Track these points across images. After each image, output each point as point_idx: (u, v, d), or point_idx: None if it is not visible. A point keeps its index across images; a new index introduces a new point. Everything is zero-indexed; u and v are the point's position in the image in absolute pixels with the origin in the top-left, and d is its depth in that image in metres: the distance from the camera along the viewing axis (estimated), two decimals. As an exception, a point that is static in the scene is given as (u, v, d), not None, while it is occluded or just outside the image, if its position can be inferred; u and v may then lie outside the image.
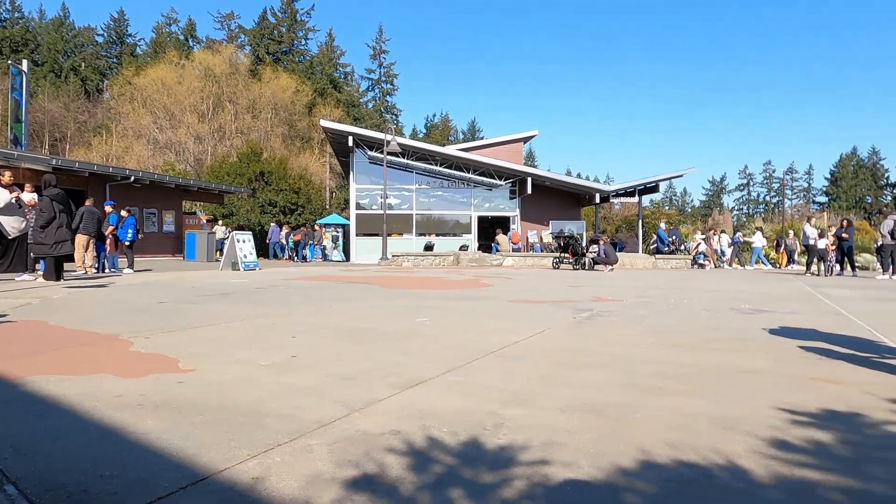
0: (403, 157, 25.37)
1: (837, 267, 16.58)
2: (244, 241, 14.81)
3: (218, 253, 20.55)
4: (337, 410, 2.39)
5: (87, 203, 12.12)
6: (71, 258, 9.96)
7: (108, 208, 13.53)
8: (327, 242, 27.20)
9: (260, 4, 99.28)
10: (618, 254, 19.56)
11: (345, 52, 69.36)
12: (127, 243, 13.27)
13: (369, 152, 25.36)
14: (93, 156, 41.62)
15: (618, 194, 27.33)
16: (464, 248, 24.43)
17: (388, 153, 20.96)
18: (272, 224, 26.65)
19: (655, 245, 22.39)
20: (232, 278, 11.13)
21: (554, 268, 16.99)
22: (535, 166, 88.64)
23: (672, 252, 21.02)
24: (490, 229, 25.18)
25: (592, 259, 16.50)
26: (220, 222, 26.39)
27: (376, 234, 23.49)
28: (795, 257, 21.61)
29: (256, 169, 33.11)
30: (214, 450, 1.92)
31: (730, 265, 21.05)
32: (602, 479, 1.74)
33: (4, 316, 5.11)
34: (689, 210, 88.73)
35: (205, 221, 26.39)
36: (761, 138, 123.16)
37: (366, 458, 1.88)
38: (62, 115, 48.79)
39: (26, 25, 63.09)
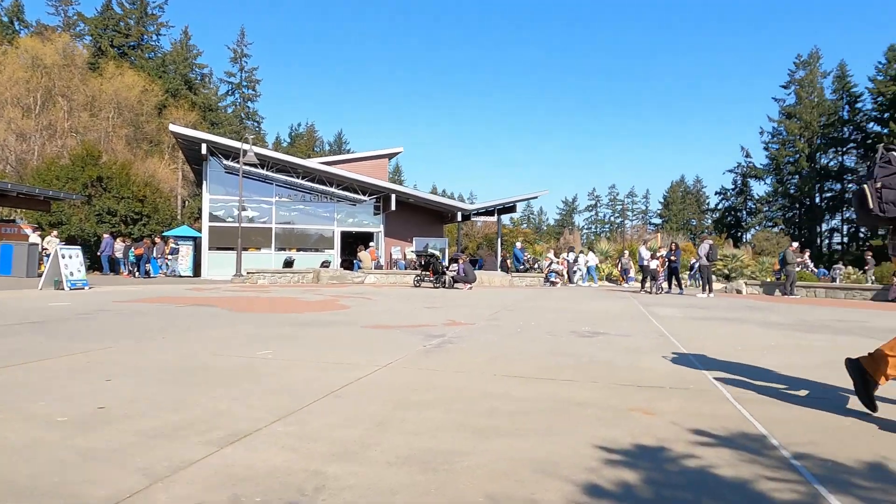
0: (263, 169, 24.33)
1: (666, 285, 18.49)
2: (71, 257, 13.19)
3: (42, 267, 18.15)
4: (136, 481, 2.11)
5: None
6: None
7: None
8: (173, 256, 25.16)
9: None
10: (477, 271, 20.23)
11: (202, 52, 65.48)
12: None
13: (225, 161, 23.98)
14: None
15: (478, 213, 28.40)
16: (325, 264, 23.89)
17: (246, 164, 19.95)
18: (105, 235, 24.03)
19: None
20: (52, 300, 9.85)
21: (415, 286, 17.14)
22: (402, 182, 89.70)
23: (527, 270, 22.19)
24: (354, 244, 24.87)
25: (452, 278, 16.88)
26: (55, 233, 23.30)
27: (232, 249, 22.17)
28: (632, 274, 23.79)
29: (93, 173, 29.89)
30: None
31: (572, 282, 22.64)
32: (416, 549, 1.67)
33: None
34: (545, 228, 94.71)
35: (31, 231, 23.15)
36: (607, 163, 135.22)
37: (155, 546, 1.65)
38: None
39: None
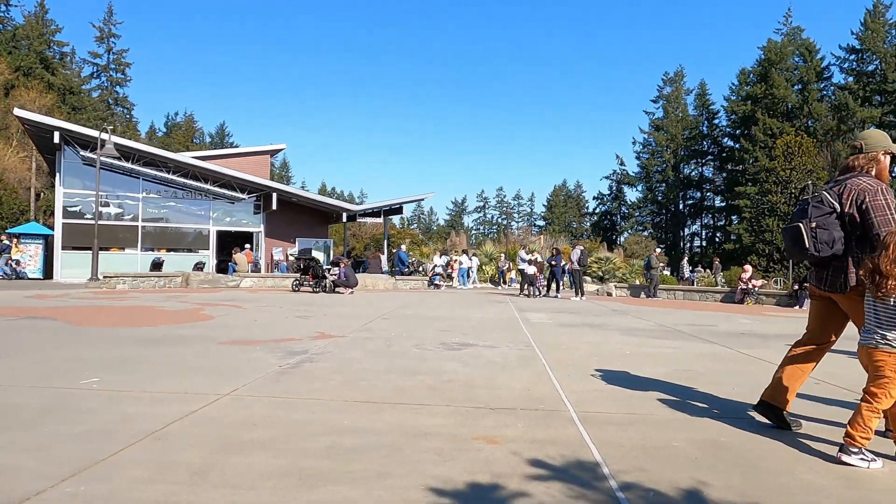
0: (128, 162, 22.36)
1: (545, 289, 19.23)
2: None
3: None
4: None
5: None
6: None
7: None
8: (20, 256, 22.43)
9: (-60, -48, 79.62)
10: (361, 275, 19.89)
11: (62, 28, 59.14)
12: None
13: (82, 152, 21.73)
14: None
15: (364, 214, 27.99)
16: (199, 266, 22.41)
17: (105, 156, 18.15)
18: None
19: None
20: None
21: (293, 290, 16.49)
22: (289, 179, 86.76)
23: (411, 273, 22.17)
24: (233, 245, 23.50)
25: (333, 282, 16.43)
26: None
27: (90, 248, 20.12)
28: (512, 276, 24.53)
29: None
30: None
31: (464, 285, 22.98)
32: None
33: None
34: (435, 228, 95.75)
35: None
36: (496, 165, 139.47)
37: None
38: None
39: None
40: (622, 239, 63.88)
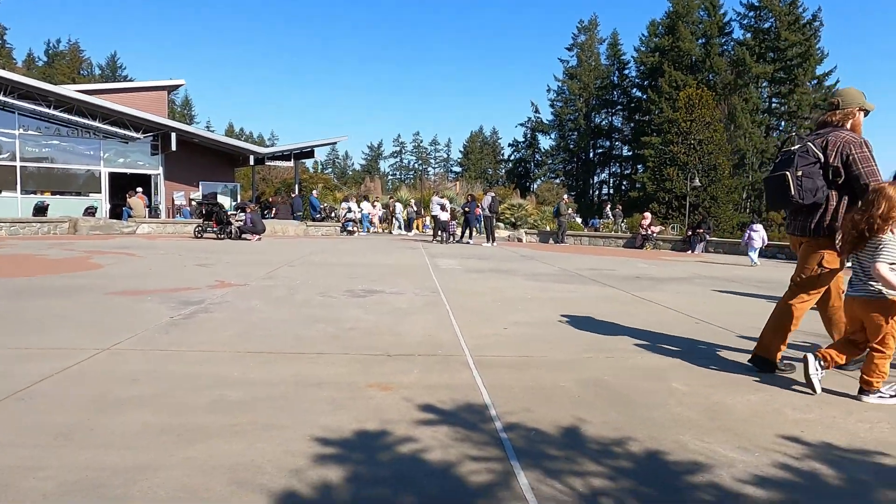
0: (1, 94, 20.00)
1: (458, 234, 19.43)
2: None
3: None
4: None
5: None
6: None
7: None
8: None
9: None
10: (270, 221, 19.21)
11: None
12: None
13: (-58, 81, 19.15)
14: None
15: (274, 157, 26.81)
16: (91, 210, 20.78)
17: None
18: None
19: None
20: None
21: (196, 237, 15.70)
22: (192, 118, 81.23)
23: (323, 219, 21.67)
24: (129, 188, 21.82)
25: (239, 228, 15.77)
26: None
27: (-43, 191, 18.07)
28: (427, 223, 24.47)
29: None
30: None
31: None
32: None
33: None
34: (351, 173, 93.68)
35: None
36: (412, 110, 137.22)
37: None
38: None
39: None
40: (535, 186, 65.38)
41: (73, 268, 8.37)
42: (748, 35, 49.14)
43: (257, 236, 15.85)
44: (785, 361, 3.76)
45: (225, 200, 24.65)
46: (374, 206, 23.18)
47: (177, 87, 29.92)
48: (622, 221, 24.66)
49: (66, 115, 21.24)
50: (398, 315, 5.41)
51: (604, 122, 66.18)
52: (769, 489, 2.13)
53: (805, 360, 3.28)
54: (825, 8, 52.56)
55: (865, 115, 3.69)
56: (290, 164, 27.45)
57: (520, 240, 21.75)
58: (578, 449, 2.45)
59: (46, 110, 20.88)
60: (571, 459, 2.34)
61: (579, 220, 29.38)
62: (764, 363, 3.72)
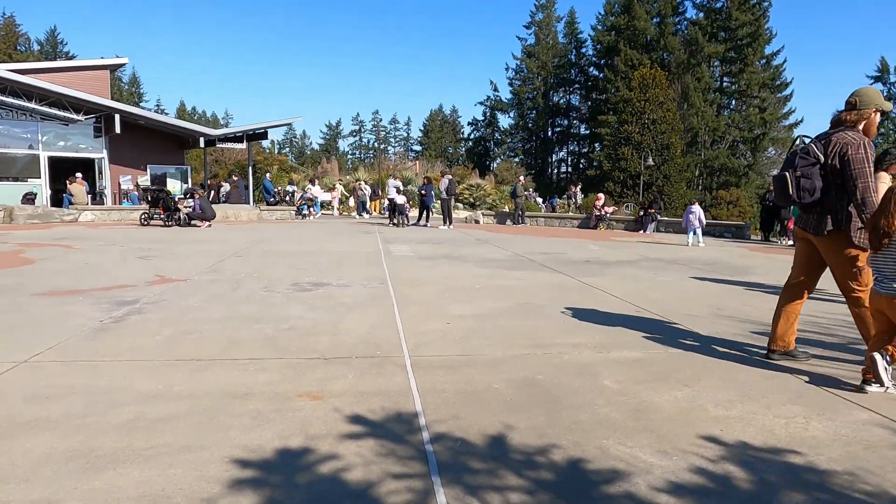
0: (-78, 73, 18.73)
1: (415, 218, 19.31)
2: None
3: None
4: None
5: None
6: None
7: None
8: None
9: None
10: (222, 206, 18.70)
11: None
12: None
13: None
14: None
15: (226, 139, 25.98)
16: (30, 197, 19.82)
17: None
18: None
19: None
20: None
21: (142, 224, 15.16)
22: (140, 97, 78.06)
23: (277, 203, 21.22)
24: (73, 173, 20.82)
25: (187, 215, 15.29)
26: None
27: None
28: (370, 208, 24.11)
29: None
30: None
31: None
32: None
33: None
34: (309, 153, 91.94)
35: None
36: (372, 88, 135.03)
37: None
38: None
39: None
40: (495, 165, 65.48)
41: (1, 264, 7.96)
42: (701, 15, 49.81)
43: (207, 223, 15.41)
44: (800, 350, 3.99)
45: (175, 184, 23.87)
46: (334, 189, 22.78)
47: (120, 66, 28.60)
48: (580, 200, 24.97)
49: (-2, 96, 20.05)
50: (342, 311, 5.34)
51: (562, 101, 66.53)
52: (682, 497, 2.17)
53: (873, 359, 3.28)
54: (774, -12, 53.56)
55: (883, 116, 3.80)
56: (243, 146, 26.67)
57: (477, 221, 21.79)
58: (502, 460, 2.45)
59: (-24, 91, 19.66)
60: (493, 473, 2.34)
61: (540, 200, 29.59)
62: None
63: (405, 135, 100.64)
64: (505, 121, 71.67)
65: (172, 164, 25.43)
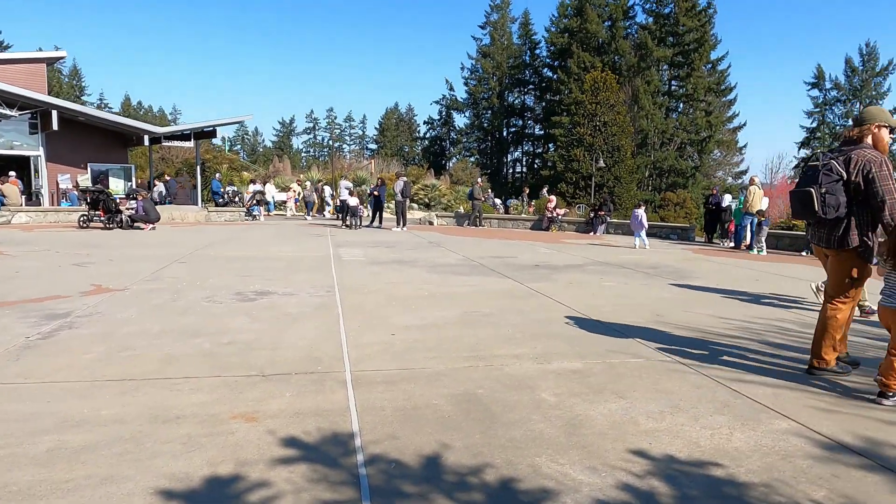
0: None
1: (369, 220, 19.17)
2: None
3: None
4: None
5: None
6: None
7: None
8: None
9: None
10: (167, 207, 18.12)
11: None
12: None
13: None
14: None
15: (172, 137, 25.16)
16: (-42, 197, 18.67)
17: None
18: None
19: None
20: None
21: (81, 227, 14.54)
22: (81, 90, 74.77)
23: (226, 204, 20.71)
24: (7, 171, 19.75)
25: (130, 217, 14.76)
26: None
27: None
28: (325, 210, 23.75)
29: None
30: None
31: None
32: None
33: None
34: (262, 150, 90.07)
35: None
36: (326, 84, 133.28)
37: None
38: None
39: None
40: (451, 165, 65.63)
41: (-77, 272, 7.51)
42: (650, 20, 51.16)
43: (151, 225, 14.90)
44: (841, 363, 4.05)
45: (118, 183, 23.00)
46: (291, 190, 22.33)
47: (58, 59, 27.35)
48: (529, 203, 25.31)
49: (-78, 90, 18.87)
50: (286, 322, 5.25)
51: (517, 101, 67.16)
52: (606, 516, 2.23)
53: None
54: (719, -5, 55.51)
55: (891, 132, 3.96)
56: (191, 144, 25.90)
57: (431, 223, 21.80)
58: (434, 482, 2.46)
59: None
60: (424, 497, 2.35)
61: (498, 201, 29.77)
62: (820, 371, 3.98)
63: (360, 133, 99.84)
64: (461, 120, 71.89)
65: (115, 162, 24.48)
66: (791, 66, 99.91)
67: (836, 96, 53.76)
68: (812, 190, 3.79)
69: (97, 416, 3.07)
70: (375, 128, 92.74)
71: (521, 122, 67.74)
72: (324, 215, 22.68)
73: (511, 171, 69.93)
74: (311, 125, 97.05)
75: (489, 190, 30.60)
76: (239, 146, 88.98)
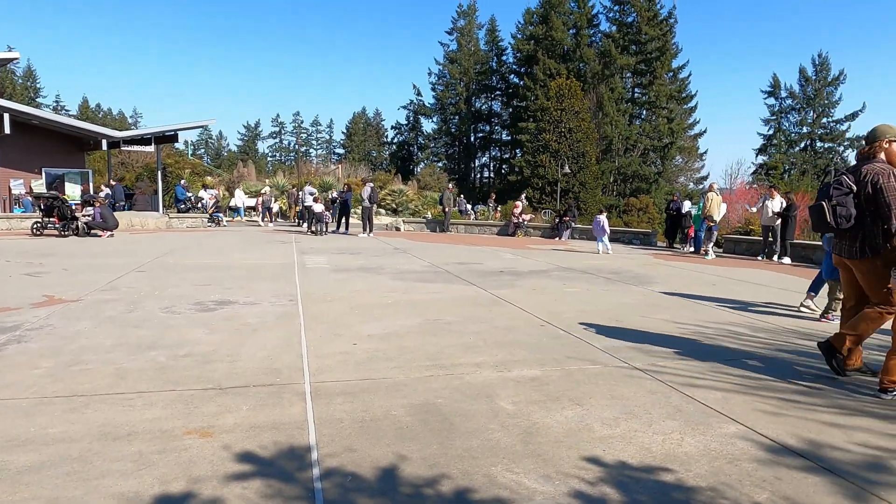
0: None
1: (335, 226, 19.03)
2: None
3: None
4: None
5: None
6: None
7: None
8: None
9: None
10: (126, 214, 17.67)
11: None
12: None
13: None
14: None
15: (131, 141, 24.61)
16: None
17: None
18: None
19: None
20: None
21: (34, 234, 14.08)
22: (36, 91, 72.46)
23: (189, 209, 20.31)
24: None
25: (87, 224, 14.34)
26: None
27: None
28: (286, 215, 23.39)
29: None
30: None
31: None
32: None
33: None
34: (226, 154, 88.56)
35: None
36: (292, 88, 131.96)
37: None
38: None
39: None
40: (419, 170, 65.65)
41: None
42: (614, 28, 52.16)
43: (109, 232, 14.50)
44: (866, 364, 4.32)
45: (75, 188, 22.34)
46: (261, 195, 21.91)
47: (10, 60, 26.42)
48: (495, 209, 25.50)
49: None
50: (245, 333, 5.18)
51: (484, 107, 67.63)
52: (558, 525, 2.27)
53: None
54: (679, 6, 56.96)
55: None
56: (151, 149, 25.33)
57: (398, 228, 21.75)
58: (390, 496, 2.47)
59: None
60: (378, 510, 2.35)
61: (469, 206, 29.85)
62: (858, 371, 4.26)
63: (328, 137, 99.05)
64: (428, 125, 72.03)
65: (72, 166, 23.80)
66: (748, 75, 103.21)
67: (791, 105, 55.67)
68: (823, 203, 4.07)
69: (44, 434, 2.98)
70: (343, 132, 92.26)
71: (488, 128, 68.21)
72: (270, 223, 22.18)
73: (479, 176, 70.33)
74: (278, 129, 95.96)
75: (461, 195, 30.69)
76: (203, 150, 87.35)
